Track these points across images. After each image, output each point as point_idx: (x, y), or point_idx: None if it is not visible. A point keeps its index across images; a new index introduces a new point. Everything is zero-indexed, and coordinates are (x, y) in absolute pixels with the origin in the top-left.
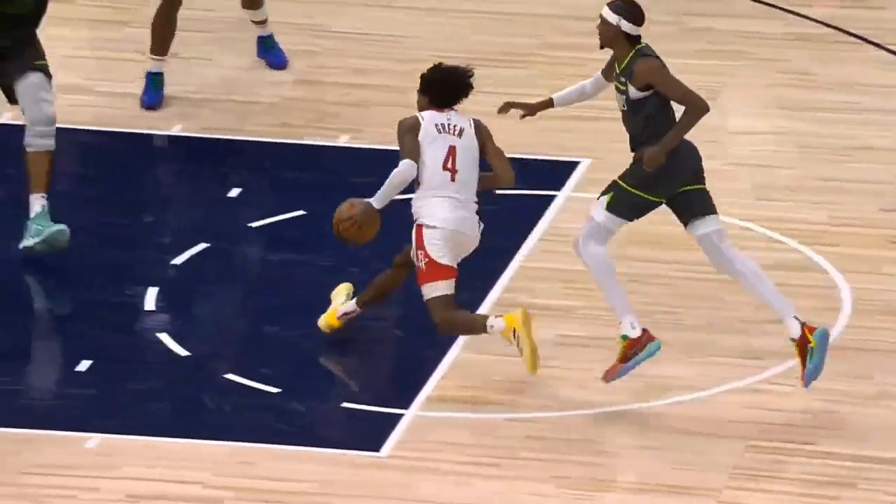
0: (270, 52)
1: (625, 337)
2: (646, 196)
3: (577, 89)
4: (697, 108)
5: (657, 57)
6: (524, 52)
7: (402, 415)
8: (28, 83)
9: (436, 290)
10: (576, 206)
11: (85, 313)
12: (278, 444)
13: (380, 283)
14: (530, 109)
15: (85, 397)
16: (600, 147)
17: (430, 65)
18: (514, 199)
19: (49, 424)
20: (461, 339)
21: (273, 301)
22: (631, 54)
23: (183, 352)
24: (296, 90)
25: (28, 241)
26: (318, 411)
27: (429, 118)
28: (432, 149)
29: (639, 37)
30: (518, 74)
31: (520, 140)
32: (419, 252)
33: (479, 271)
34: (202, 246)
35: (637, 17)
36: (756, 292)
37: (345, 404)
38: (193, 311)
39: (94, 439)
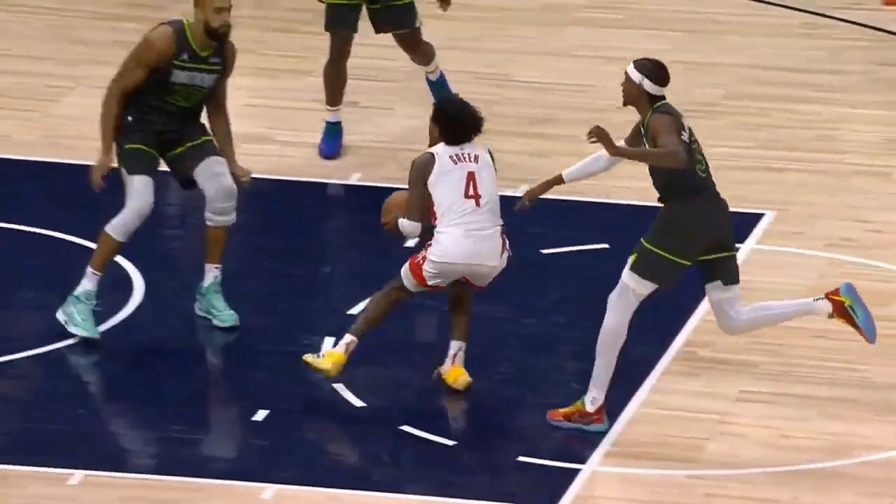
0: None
1: (582, 403)
2: (669, 256)
3: (590, 161)
4: (671, 154)
5: (671, 113)
6: (707, 103)
7: (579, 470)
8: (203, 163)
9: (410, 282)
10: (759, 258)
11: (262, 362)
12: (454, 497)
13: (452, 305)
14: (541, 189)
15: (261, 447)
16: (785, 199)
17: (609, 113)
18: None
19: (225, 474)
20: (638, 396)
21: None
22: (649, 113)
23: (358, 402)
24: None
25: (199, 312)
26: (493, 464)
27: (442, 152)
28: (450, 181)
29: (662, 97)
30: (702, 125)
31: None
32: (419, 260)
33: (661, 325)
34: None
35: (661, 78)
36: (776, 319)
37: (521, 458)
38: (369, 361)
39: (269, 490)
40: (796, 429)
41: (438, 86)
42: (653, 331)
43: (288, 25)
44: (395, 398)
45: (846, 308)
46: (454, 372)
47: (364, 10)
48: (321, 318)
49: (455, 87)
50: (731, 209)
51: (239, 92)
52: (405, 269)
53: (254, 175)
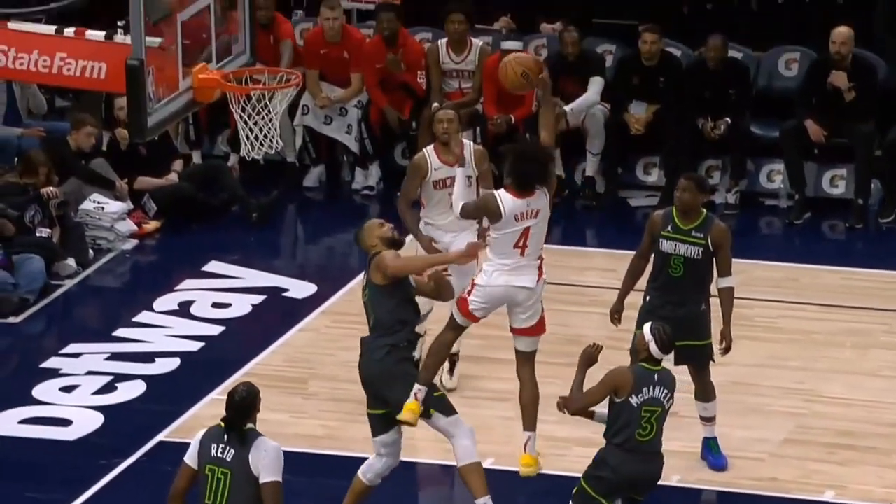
0: (711, 453)
1: None
2: (594, 495)
3: None
4: (571, 404)
5: (634, 374)
6: None
7: None
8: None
9: (459, 317)
10: None
11: None
12: None
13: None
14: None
15: None
16: None
17: None
18: None
19: None
20: None
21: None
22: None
23: None
24: (783, 448)
25: None
26: None
27: (510, 208)
28: (509, 234)
29: (658, 360)
30: None
31: None
32: (465, 294)
33: None
34: None
35: (664, 346)
36: None
37: None
38: None
39: None
40: None
41: (710, 445)
42: None
43: None
44: None
45: None
46: (524, 459)
47: None
48: None
49: (764, 399)
50: None
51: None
52: (453, 307)
53: None
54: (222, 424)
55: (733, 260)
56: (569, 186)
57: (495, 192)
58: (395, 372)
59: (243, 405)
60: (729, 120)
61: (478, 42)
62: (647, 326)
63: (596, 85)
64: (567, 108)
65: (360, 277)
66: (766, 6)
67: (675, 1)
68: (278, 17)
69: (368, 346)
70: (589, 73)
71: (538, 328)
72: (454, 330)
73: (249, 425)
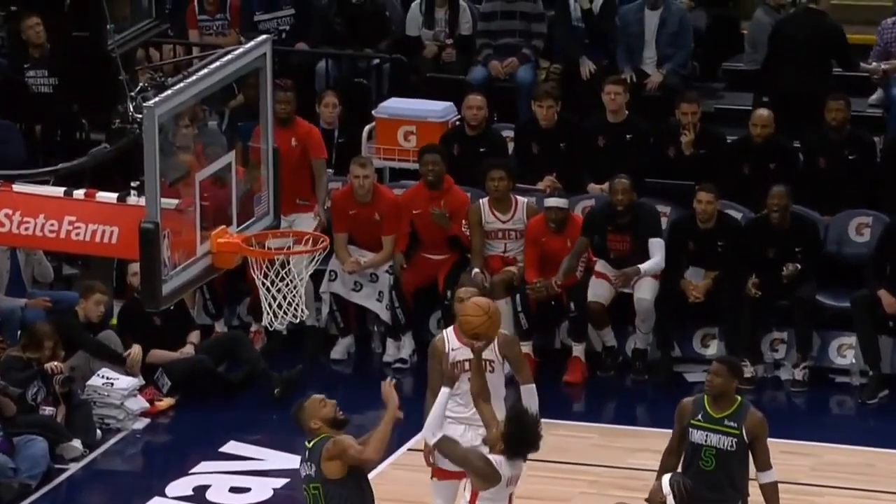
0: None
1: None
2: None
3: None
4: None
5: None
6: None
7: None
8: None
9: None
10: None
11: None
12: None
13: None
14: None
15: None
16: None
17: None
18: None
19: None
20: None
21: None
22: None
23: None
24: None
25: None
26: None
27: (506, 474)
28: (500, 497)
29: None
30: None
31: None
32: None
33: None
34: None
35: (682, 502)
36: None
37: None
38: None
39: None
40: None
41: None
42: None
43: None
44: None
45: None
46: None
47: None
48: None
49: None
50: None
51: None
52: None
53: None
54: None
55: (802, 442)
56: (620, 359)
57: (492, 458)
58: None
59: None
60: (799, 266)
61: (523, 200)
62: (665, 478)
63: (659, 249)
64: (641, 267)
65: (301, 467)
66: (834, 165)
67: (735, 160)
68: (299, 120)
69: None
70: (641, 230)
71: None
72: None
73: None
